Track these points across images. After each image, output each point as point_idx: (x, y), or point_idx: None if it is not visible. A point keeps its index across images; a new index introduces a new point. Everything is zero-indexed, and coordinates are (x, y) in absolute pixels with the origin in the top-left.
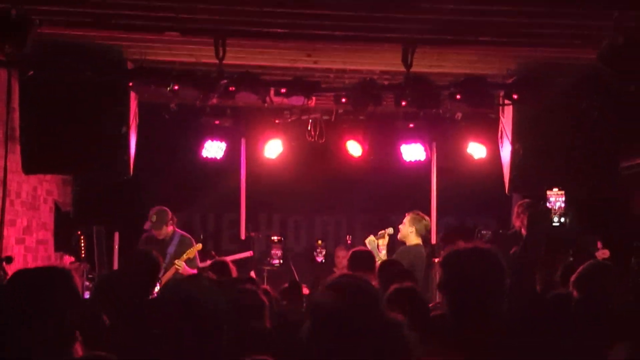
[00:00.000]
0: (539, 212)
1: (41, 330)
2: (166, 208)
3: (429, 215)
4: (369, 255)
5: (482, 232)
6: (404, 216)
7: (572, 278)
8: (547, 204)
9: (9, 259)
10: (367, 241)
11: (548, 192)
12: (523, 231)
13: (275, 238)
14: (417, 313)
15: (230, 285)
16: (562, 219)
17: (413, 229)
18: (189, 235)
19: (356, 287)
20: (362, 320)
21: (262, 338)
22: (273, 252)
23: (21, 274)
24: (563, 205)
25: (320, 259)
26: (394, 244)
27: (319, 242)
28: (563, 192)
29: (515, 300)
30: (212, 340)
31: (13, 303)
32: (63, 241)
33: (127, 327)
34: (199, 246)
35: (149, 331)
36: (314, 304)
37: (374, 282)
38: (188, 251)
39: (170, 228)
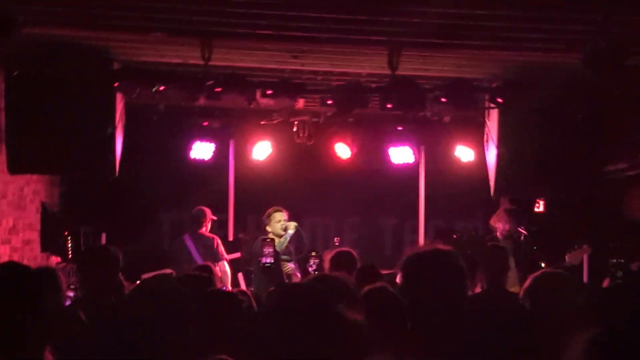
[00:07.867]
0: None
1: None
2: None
3: (417, 217)
4: (351, 257)
5: (455, 235)
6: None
7: (523, 288)
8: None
9: None
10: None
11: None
12: (498, 235)
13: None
14: (386, 312)
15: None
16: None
17: None
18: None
19: (315, 291)
20: (318, 320)
21: (236, 337)
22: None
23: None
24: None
25: (312, 269)
26: None
27: (313, 253)
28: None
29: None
30: (177, 337)
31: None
32: (50, 242)
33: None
34: None
35: (121, 328)
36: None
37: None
38: None
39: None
